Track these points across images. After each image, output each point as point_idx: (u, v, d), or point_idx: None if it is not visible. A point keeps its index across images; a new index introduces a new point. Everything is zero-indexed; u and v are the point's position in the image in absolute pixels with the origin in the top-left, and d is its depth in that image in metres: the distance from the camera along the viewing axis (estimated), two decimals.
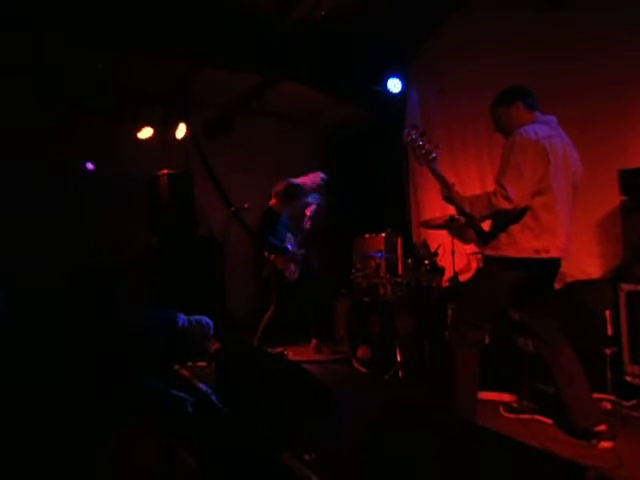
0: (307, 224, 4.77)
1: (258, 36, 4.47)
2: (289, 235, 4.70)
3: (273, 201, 4.70)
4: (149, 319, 3.83)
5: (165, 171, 5.38)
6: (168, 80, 5.19)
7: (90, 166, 5.33)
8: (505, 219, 2.47)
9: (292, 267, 4.69)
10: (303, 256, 4.81)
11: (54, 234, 4.82)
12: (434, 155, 2.54)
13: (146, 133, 5.38)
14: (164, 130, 5.50)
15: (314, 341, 5.00)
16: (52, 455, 2.67)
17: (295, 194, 4.63)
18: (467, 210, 2.53)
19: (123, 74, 4.83)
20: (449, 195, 2.60)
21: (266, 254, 4.69)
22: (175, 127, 5.51)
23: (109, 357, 3.89)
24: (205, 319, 3.72)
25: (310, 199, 4.72)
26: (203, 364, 4.08)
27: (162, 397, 3.29)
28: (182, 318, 3.71)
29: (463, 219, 2.86)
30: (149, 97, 5.40)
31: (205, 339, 3.70)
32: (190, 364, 4.09)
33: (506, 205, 2.34)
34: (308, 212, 4.79)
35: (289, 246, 4.64)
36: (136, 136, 5.35)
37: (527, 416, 2.91)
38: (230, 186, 6.07)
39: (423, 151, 2.55)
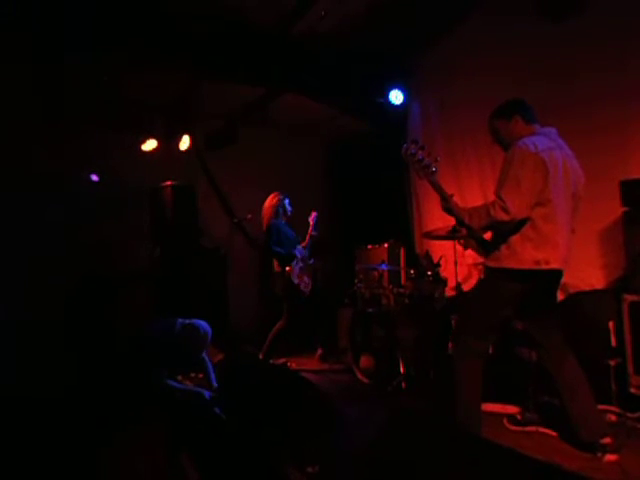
0: (311, 231, 4.77)
1: (260, 49, 4.52)
2: (298, 247, 4.69)
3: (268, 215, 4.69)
4: (149, 327, 3.84)
5: (169, 182, 5.42)
6: (171, 92, 5.24)
7: (94, 177, 5.37)
8: (505, 230, 2.48)
9: (306, 279, 4.65)
10: (313, 266, 4.81)
11: (56, 244, 4.85)
12: (433, 169, 2.56)
13: (150, 145, 5.43)
14: (168, 142, 5.54)
15: (319, 350, 4.98)
16: (55, 461, 2.67)
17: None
18: (466, 221, 2.55)
19: (127, 86, 4.88)
20: (448, 207, 2.61)
21: (278, 269, 4.64)
22: (179, 139, 5.56)
23: (113, 363, 3.90)
24: (203, 323, 3.73)
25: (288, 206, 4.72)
26: (203, 374, 4.07)
27: (177, 392, 3.32)
28: (179, 322, 3.72)
29: (465, 230, 2.87)
30: (153, 109, 5.45)
31: (200, 341, 3.70)
32: (192, 375, 4.08)
33: (504, 217, 2.36)
34: (311, 220, 4.81)
35: (297, 252, 4.61)
36: (140, 148, 5.40)
37: (531, 428, 2.89)
38: (233, 197, 6.11)
39: (422, 165, 2.56)
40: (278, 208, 4.64)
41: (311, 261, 4.75)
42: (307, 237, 4.74)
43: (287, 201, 4.71)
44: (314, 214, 4.81)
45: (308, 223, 4.77)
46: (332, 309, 5.15)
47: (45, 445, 2.91)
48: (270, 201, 4.67)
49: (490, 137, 2.76)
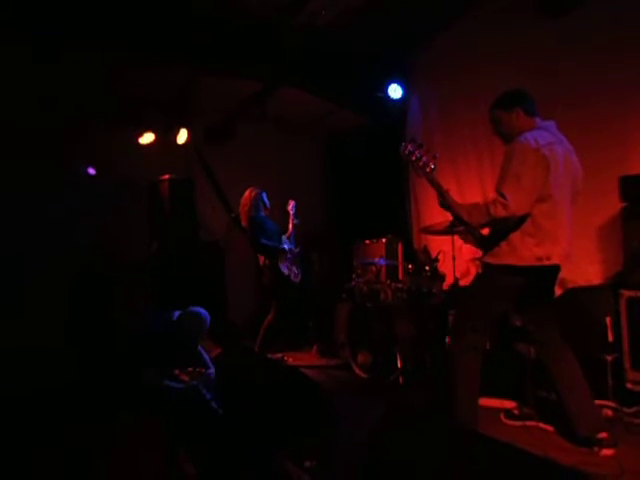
0: (292, 220, 4.78)
1: (259, 43, 4.50)
2: (283, 237, 4.71)
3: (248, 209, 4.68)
4: (147, 321, 3.83)
5: (166, 176, 5.40)
6: (170, 86, 5.21)
7: (92, 171, 5.35)
8: (505, 227, 2.47)
9: (295, 269, 4.70)
10: (301, 256, 4.82)
11: (55, 238, 4.83)
12: (432, 166, 2.54)
13: (147, 138, 5.40)
14: (165, 136, 5.51)
15: (316, 345, 4.99)
16: (53, 458, 2.67)
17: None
18: (465, 218, 2.53)
19: (125, 80, 4.85)
20: (445, 203, 2.59)
21: (264, 261, 4.65)
22: (176, 133, 5.53)
23: (111, 357, 3.89)
24: (201, 309, 3.71)
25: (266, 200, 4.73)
26: (203, 369, 4.07)
27: (174, 389, 3.31)
28: (176, 314, 3.71)
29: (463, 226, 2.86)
30: (151, 103, 5.42)
31: (200, 325, 3.69)
32: (190, 369, 4.08)
33: (504, 213, 2.34)
34: (290, 209, 4.80)
35: (285, 246, 4.63)
36: (137, 141, 5.37)
37: (528, 423, 2.89)
38: (231, 192, 6.08)
39: (421, 163, 2.54)
40: (257, 202, 4.63)
41: (297, 250, 4.77)
42: (290, 227, 4.76)
43: (264, 195, 4.70)
44: (292, 203, 4.81)
45: (288, 213, 4.79)
46: (330, 304, 5.14)
47: (44, 443, 2.90)
48: (248, 195, 4.66)
49: (490, 129, 2.73)
